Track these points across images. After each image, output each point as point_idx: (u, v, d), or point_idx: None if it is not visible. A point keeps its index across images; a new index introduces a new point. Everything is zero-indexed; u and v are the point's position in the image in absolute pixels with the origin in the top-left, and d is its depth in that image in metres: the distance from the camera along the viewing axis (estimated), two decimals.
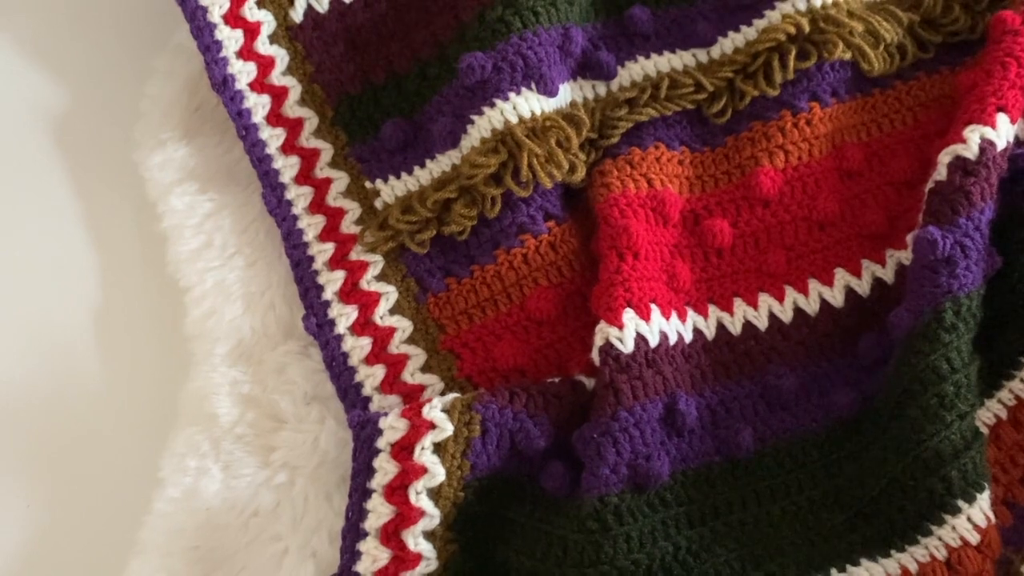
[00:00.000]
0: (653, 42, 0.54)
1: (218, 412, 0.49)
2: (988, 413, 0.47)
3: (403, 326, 0.50)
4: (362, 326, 0.50)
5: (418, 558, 0.43)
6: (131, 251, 0.55)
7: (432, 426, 0.44)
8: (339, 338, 0.49)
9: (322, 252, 0.51)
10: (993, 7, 0.53)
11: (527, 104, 0.50)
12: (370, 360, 0.49)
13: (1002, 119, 0.49)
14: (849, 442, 0.47)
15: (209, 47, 0.53)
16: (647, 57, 0.54)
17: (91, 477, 0.51)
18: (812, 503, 0.46)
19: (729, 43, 0.53)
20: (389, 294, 0.50)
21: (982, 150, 0.48)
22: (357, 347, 0.49)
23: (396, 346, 0.49)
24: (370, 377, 0.49)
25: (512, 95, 0.50)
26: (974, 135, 0.48)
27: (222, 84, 0.53)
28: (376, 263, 0.51)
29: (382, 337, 0.49)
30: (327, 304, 0.50)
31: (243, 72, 0.54)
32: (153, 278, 0.54)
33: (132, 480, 0.50)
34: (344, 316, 0.50)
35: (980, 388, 0.46)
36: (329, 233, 0.51)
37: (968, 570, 0.43)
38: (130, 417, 0.52)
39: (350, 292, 0.50)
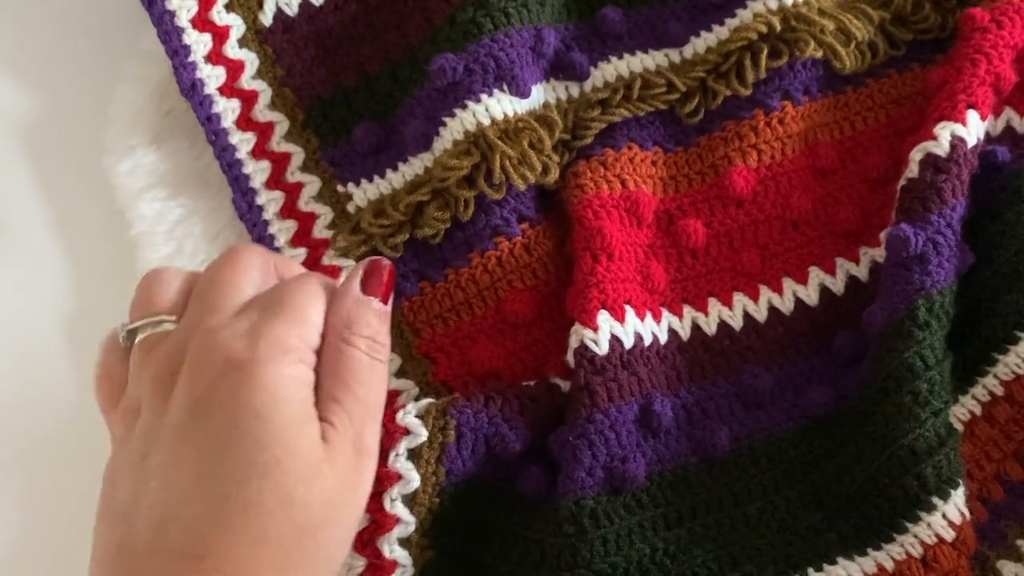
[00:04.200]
0: (626, 42, 0.54)
1: None
2: (963, 409, 0.47)
3: None
4: None
5: (394, 565, 0.43)
6: (101, 258, 0.54)
7: (406, 432, 0.44)
8: None
9: (294, 258, 0.51)
10: (963, 4, 0.53)
11: (499, 106, 0.49)
12: None
13: (972, 116, 0.49)
14: (826, 440, 0.47)
15: (177, 51, 0.53)
16: (620, 58, 0.53)
17: (62, 486, 0.51)
18: (789, 502, 0.46)
19: (701, 43, 0.53)
20: None
21: (953, 147, 0.48)
22: None
23: None
24: None
25: (484, 97, 0.49)
26: (945, 132, 0.48)
27: (191, 89, 0.52)
28: (349, 268, 0.50)
29: None
30: None
31: (212, 76, 0.53)
32: (123, 286, 0.53)
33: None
34: None
35: (954, 385, 0.46)
36: (301, 238, 0.51)
37: (943, 567, 0.43)
38: (101, 425, 0.51)
39: None
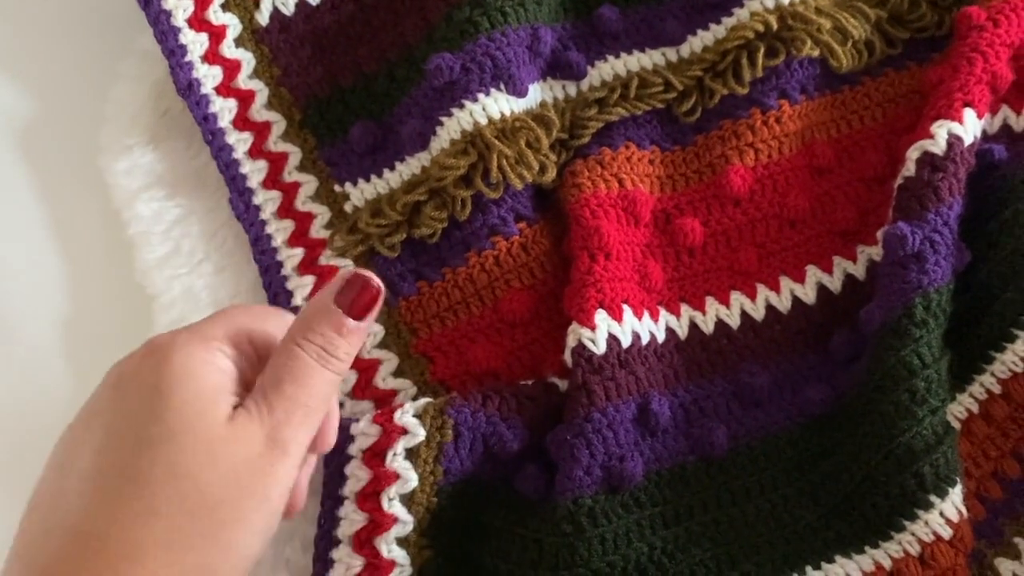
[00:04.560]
0: (622, 41, 0.54)
1: None
2: (960, 407, 0.47)
3: (374, 330, 0.49)
4: None
5: (392, 565, 0.43)
6: (98, 259, 0.54)
7: (404, 431, 0.44)
8: None
9: (291, 257, 0.51)
10: (959, 3, 0.53)
11: (496, 105, 0.49)
12: None
13: (969, 114, 0.49)
14: (823, 439, 0.47)
15: (174, 51, 0.53)
16: (616, 56, 0.53)
17: None
18: (787, 501, 0.46)
19: (698, 41, 0.53)
20: None
21: (950, 145, 0.48)
22: None
23: (368, 351, 0.49)
24: (342, 383, 0.48)
25: (481, 96, 0.49)
26: (941, 131, 0.48)
27: (187, 88, 0.52)
28: (346, 267, 0.50)
29: None
30: (297, 310, 0.50)
31: (209, 76, 0.53)
32: (120, 286, 0.53)
33: None
34: None
35: (951, 383, 0.46)
36: (298, 238, 0.51)
37: (941, 565, 0.43)
38: None
39: None
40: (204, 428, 0.36)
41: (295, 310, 0.49)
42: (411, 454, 0.43)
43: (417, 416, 0.44)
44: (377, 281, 0.40)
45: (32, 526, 0.37)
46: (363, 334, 0.41)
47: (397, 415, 0.44)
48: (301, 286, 0.50)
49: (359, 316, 0.40)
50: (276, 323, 0.41)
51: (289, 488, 0.38)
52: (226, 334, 0.39)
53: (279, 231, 0.51)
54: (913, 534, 0.43)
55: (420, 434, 0.44)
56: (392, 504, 0.43)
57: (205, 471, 0.36)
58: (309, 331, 0.39)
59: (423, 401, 0.45)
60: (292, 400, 0.38)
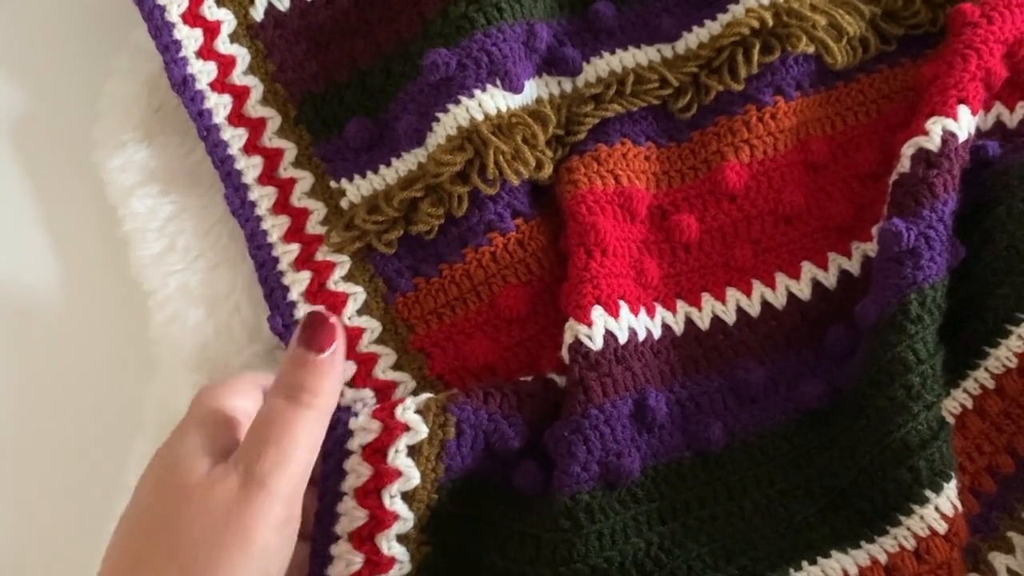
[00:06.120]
0: (618, 37, 0.54)
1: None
2: (954, 403, 0.47)
3: (372, 326, 0.49)
4: None
5: (392, 562, 0.43)
6: (92, 256, 0.54)
7: (406, 428, 0.44)
8: None
9: (287, 253, 0.50)
10: (952, 0, 0.53)
11: (493, 101, 0.49)
12: None
13: (963, 111, 0.49)
14: (819, 434, 0.47)
15: (168, 47, 0.52)
16: (612, 53, 0.53)
17: (56, 484, 0.51)
18: (783, 495, 0.46)
19: (694, 38, 0.53)
20: (357, 294, 0.50)
21: (944, 142, 0.48)
22: None
23: (365, 346, 0.49)
24: None
25: (477, 92, 0.49)
26: (936, 127, 0.49)
27: (182, 84, 0.52)
28: (343, 263, 0.50)
29: (351, 338, 0.49)
30: (293, 305, 0.49)
31: (203, 72, 0.53)
32: (115, 283, 0.53)
33: (97, 487, 0.49)
34: None
35: (946, 378, 0.46)
36: (294, 234, 0.51)
37: (936, 559, 0.43)
38: (94, 423, 0.51)
39: (317, 293, 0.49)
40: (181, 480, 0.39)
41: (291, 305, 0.49)
42: (413, 451, 0.43)
43: (419, 412, 0.44)
44: (329, 317, 0.43)
45: None
46: (332, 365, 0.43)
47: (399, 411, 0.44)
48: (297, 282, 0.50)
49: (321, 349, 0.42)
50: (244, 394, 0.43)
51: (275, 526, 0.39)
52: (201, 422, 0.41)
53: (275, 227, 0.51)
54: (908, 528, 0.44)
55: (423, 431, 0.43)
56: (394, 501, 0.43)
57: (182, 517, 0.38)
58: (278, 380, 0.42)
59: (424, 397, 0.45)
60: (263, 440, 0.40)
